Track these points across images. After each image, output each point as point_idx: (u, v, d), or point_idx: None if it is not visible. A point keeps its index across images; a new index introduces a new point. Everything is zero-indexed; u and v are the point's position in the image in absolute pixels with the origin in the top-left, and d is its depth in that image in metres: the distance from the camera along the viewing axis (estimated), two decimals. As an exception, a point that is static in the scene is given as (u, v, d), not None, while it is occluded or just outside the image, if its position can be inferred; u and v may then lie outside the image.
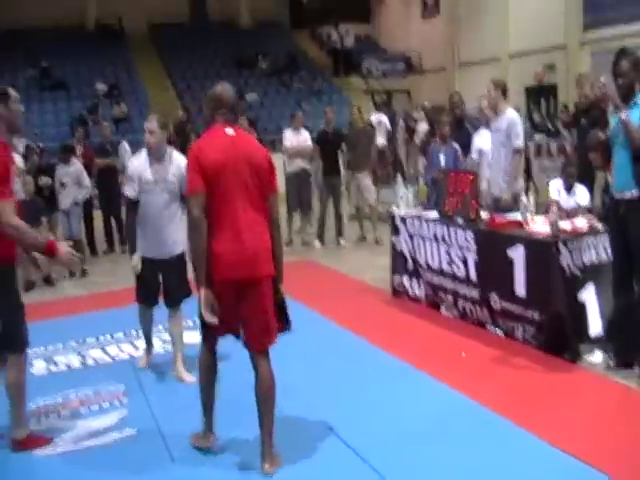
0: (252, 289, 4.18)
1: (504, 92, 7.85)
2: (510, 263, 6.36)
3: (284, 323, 4.40)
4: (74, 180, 10.96)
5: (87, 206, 11.82)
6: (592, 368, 5.74)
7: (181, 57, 28.42)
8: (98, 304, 8.75)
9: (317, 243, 11.75)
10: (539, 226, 6.45)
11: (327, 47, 31.30)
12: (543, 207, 7.81)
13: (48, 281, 10.25)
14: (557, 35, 21.46)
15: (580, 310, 5.97)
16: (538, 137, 16.32)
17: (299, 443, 4.65)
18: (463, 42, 26.68)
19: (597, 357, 5.86)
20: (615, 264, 5.75)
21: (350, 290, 8.78)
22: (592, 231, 6.29)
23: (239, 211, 4.15)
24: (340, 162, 12.07)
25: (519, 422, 4.76)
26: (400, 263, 8.13)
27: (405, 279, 8.07)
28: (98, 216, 12.33)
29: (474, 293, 6.92)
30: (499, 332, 6.62)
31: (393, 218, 8.26)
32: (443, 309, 7.47)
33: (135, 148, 19.06)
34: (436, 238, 7.45)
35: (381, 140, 14.67)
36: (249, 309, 4.21)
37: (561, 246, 5.96)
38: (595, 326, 6.01)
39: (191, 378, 5.90)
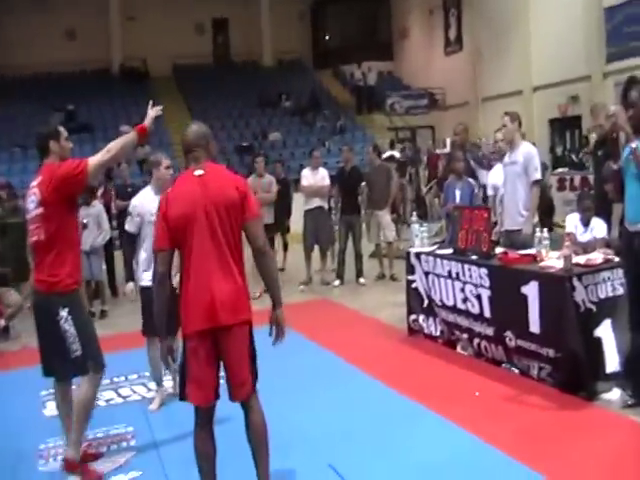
0: (227, 337, 4.05)
1: (520, 124, 7.76)
2: (524, 300, 6.24)
3: (253, 376, 4.17)
4: (95, 221, 11.05)
5: (108, 247, 11.86)
6: (609, 406, 5.59)
7: (204, 97, 28.84)
8: (116, 345, 8.68)
9: (337, 282, 11.70)
10: (553, 261, 6.31)
11: (350, 85, 31.63)
12: (560, 242, 7.70)
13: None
14: (580, 67, 21.44)
15: (596, 346, 5.83)
16: (561, 170, 16.21)
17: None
18: (486, 77, 26.76)
19: (614, 395, 5.72)
20: (631, 298, 5.62)
21: (366, 329, 8.70)
22: (608, 265, 6.15)
23: (207, 259, 4.04)
24: (359, 201, 12.07)
25: (534, 466, 4.63)
26: (416, 301, 8.04)
27: (421, 317, 7.98)
28: (118, 257, 12.35)
29: (489, 331, 6.81)
30: (514, 370, 6.49)
31: (408, 256, 8.18)
32: (459, 347, 7.35)
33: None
34: (450, 275, 7.36)
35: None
36: (225, 359, 4.09)
37: (575, 281, 5.83)
38: (612, 363, 5.86)
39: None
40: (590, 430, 5.26)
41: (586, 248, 7.11)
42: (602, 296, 5.93)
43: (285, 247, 13.56)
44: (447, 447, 5.11)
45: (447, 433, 5.36)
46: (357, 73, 30.46)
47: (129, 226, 6.38)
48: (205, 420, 4.16)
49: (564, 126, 22.61)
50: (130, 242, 6.43)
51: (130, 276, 6.44)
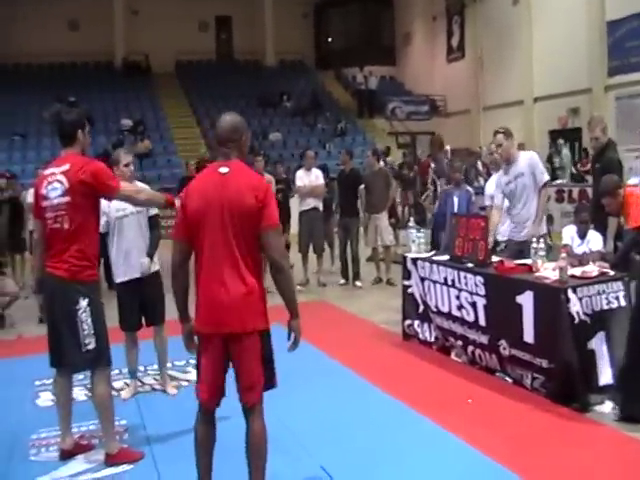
0: (235, 344, 4.00)
1: (512, 136, 7.73)
2: (519, 309, 6.27)
3: (269, 380, 4.12)
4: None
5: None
6: (601, 418, 5.61)
7: (206, 95, 28.89)
8: (110, 338, 8.73)
9: (342, 280, 11.85)
10: (549, 272, 6.34)
11: (352, 88, 31.72)
12: (557, 253, 7.73)
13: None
14: (582, 79, 21.57)
15: (589, 359, 5.85)
16: (560, 181, 16.28)
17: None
18: (487, 85, 26.87)
19: (607, 407, 5.74)
20: (637, 312, 5.65)
21: (362, 332, 8.73)
22: (603, 278, 6.19)
23: (219, 261, 3.98)
24: (358, 204, 12.13)
25: (523, 475, 4.66)
26: (411, 307, 8.06)
27: (416, 323, 8.00)
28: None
29: (483, 339, 6.83)
30: (508, 379, 6.51)
31: (405, 261, 8.21)
32: (453, 354, 7.38)
33: (158, 183, 19.34)
34: (446, 282, 7.38)
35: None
36: (234, 364, 4.06)
37: (570, 293, 5.86)
38: (605, 375, 5.89)
39: (174, 390, 6.74)
40: (581, 441, 5.28)
41: (582, 260, 7.17)
42: (596, 308, 5.96)
43: (287, 247, 13.58)
44: (437, 452, 5.13)
45: (438, 438, 5.38)
46: (359, 76, 30.54)
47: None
48: (208, 412, 4.17)
49: (564, 138, 22.68)
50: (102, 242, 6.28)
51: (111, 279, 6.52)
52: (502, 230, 8.06)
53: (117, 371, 7.38)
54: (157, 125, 26.69)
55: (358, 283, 11.70)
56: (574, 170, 18.89)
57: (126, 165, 6.39)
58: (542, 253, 6.60)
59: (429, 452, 5.17)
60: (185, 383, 6.90)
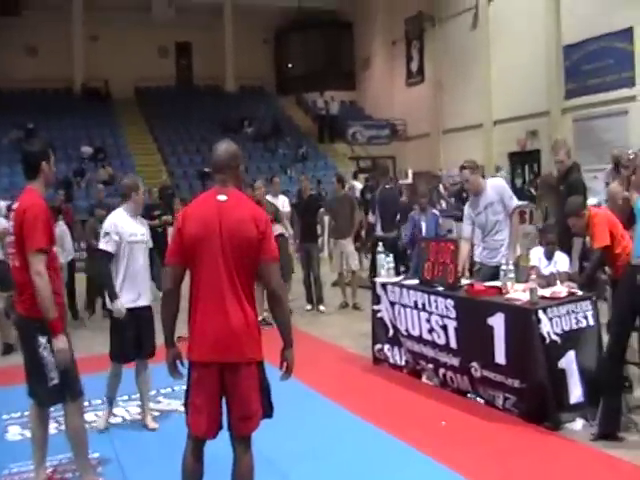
0: (233, 374, 3.95)
1: (479, 168, 7.85)
2: (490, 331, 6.33)
3: (266, 409, 4.11)
4: (59, 242, 10.93)
5: (69, 269, 11.72)
6: (573, 436, 5.69)
7: (167, 121, 28.79)
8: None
9: (308, 306, 11.81)
10: (519, 293, 6.43)
11: (312, 113, 31.81)
12: (524, 273, 7.83)
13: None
14: (540, 102, 21.92)
15: (560, 377, 5.93)
16: (520, 203, 16.46)
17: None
18: (447, 109, 27.14)
19: (578, 425, 5.83)
20: (615, 330, 5.73)
21: (331, 357, 8.74)
22: (572, 298, 6.28)
23: (217, 289, 3.94)
24: (318, 228, 12.18)
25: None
26: (381, 331, 8.08)
27: (386, 347, 8.02)
28: (80, 280, 12.23)
29: (454, 361, 6.88)
30: (480, 400, 6.57)
31: (374, 286, 8.25)
32: (424, 377, 7.41)
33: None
34: (417, 306, 7.42)
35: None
36: (230, 394, 3.99)
37: (541, 313, 5.95)
38: (575, 393, 5.98)
39: (154, 424, 6.53)
40: (554, 458, 5.33)
41: (550, 281, 7.25)
42: (566, 328, 6.06)
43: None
44: (411, 473, 5.17)
45: (412, 460, 5.42)
46: (319, 101, 30.65)
47: (107, 245, 6.27)
48: (198, 445, 4.09)
49: (523, 159, 23.02)
50: (107, 262, 6.30)
51: (115, 294, 6.27)
52: (477, 253, 8.13)
53: (87, 403, 7.32)
54: (118, 152, 26.51)
55: (322, 307, 11.71)
56: (532, 191, 19.13)
57: (143, 192, 6.54)
58: (511, 275, 6.69)
59: (403, 473, 5.20)
60: (156, 413, 6.84)
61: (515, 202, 7.66)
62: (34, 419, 5.19)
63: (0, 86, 28.79)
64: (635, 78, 19.28)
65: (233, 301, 3.95)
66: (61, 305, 4.97)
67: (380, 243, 9.11)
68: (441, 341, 7.05)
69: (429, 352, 7.26)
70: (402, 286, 7.76)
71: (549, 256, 7.86)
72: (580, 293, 6.39)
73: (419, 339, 7.41)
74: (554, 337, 5.95)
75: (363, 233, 14.39)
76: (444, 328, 7.00)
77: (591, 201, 8.82)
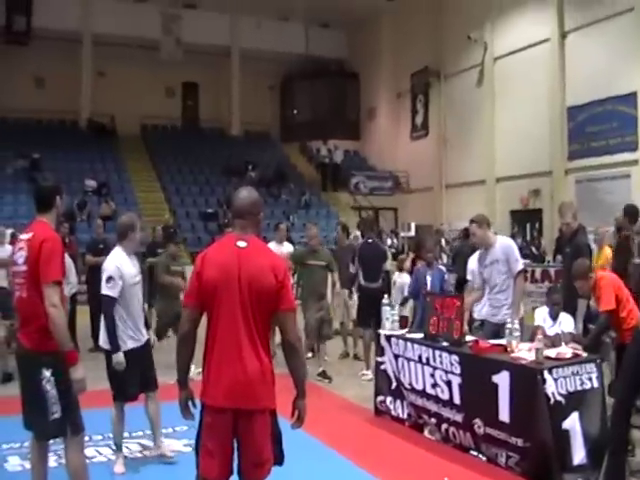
0: (247, 420, 3.99)
1: (488, 225, 7.88)
2: (495, 388, 6.34)
3: (278, 457, 4.15)
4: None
5: (71, 302, 11.72)
6: (575, 498, 5.68)
7: (171, 160, 29.05)
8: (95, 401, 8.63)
9: (309, 354, 11.76)
10: (524, 352, 6.46)
11: (316, 161, 31.93)
12: (528, 332, 7.87)
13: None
14: (543, 162, 22.17)
15: (564, 438, 5.93)
16: (522, 261, 16.54)
17: None
18: (450, 164, 27.38)
19: (580, 487, 5.83)
20: (622, 392, 5.73)
21: (332, 406, 8.68)
22: (577, 359, 6.31)
23: (234, 335, 3.98)
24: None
25: None
26: (384, 383, 8.07)
27: (388, 399, 8.00)
28: (81, 313, 12.22)
29: (458, 417, 6.87)
30: (482, 457, 6.55)
31: (378, 338, 8.27)
32: (426, 432, 7.38)
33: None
34: (421, 360, 7.43)
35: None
36: (242, 440, 4.02)
37: (546, 373, 5.96)
38: (579, 455, 5.97)
39: (171, 453, 6.67)
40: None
41: (554, 341, 7.30)
42: (571, 389, 6.07)
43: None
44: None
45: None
46: (323, 150, 30.90)
47: (113, 291, 6.25)
48: None
49: (525, 218, 23.13)
50: (111, 306, 6.28)
51: (117, 346, 6.25)
52: (478, 309, 8.16)
53: (87, 438, 7.31)
54: (121, 187, 26.63)
55: (325, 357, 11.67)
56: (534, 250, 19.25)
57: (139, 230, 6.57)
58: (517, 334, 6.72)
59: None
60: (155, 452, 6.82)
61: (520, 266, 7.67)
62: (33, 451, 5.21)
63: (7, 115, 29.05)
64: (638, 142, 19.52)
65: (249, 348, 3.98)
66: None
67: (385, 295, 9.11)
68: (445, 396, 7.05)
69: (432, 407, 7.25)
70: (407, 339, 7.78)
71: (554, 316, 7.91)
72: (585, 355, 6.44)
73: (422, 393, 7.41)
74: (559, 398, 5.96)
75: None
76: (448, 383, 7.01)
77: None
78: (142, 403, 6.65)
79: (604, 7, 20.48)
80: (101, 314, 6.43)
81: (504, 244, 7.73)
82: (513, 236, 19.92)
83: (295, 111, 35.73)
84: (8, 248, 12.66)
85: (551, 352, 6.41)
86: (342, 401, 9.05)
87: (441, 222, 24.90)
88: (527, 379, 6.10)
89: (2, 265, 12.03)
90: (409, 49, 29.69)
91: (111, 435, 7.09)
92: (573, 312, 8.24)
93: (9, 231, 13.50)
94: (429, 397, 7.30)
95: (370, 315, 9.86)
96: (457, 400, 6.90)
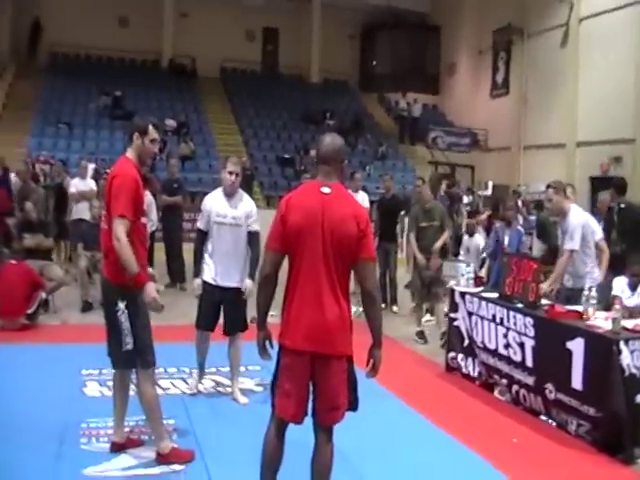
0: (324, 365, 4.06)
1: (564, 192, 7.78)
2: (569, 355, 6.29)
3: (351, 403, 4.21)
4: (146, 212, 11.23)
5: (150, 239, 11.98)
6: (645, 473, 5.63)
7: (250, 104, 29.13)
8: (154, 336, 8.83)
9: (382, 305, 11.83)
10: (600, 321, 6.38)
11: (394, 113, 31.68)
12: (603, 302, 7.77)
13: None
14: (626, 128, 21.59)
15: (637, 412, 5.87)
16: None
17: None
18: (530, 124, 26.86)
19: (652, 462, 5.78)
20: None
21: (403, 359, 8.74)
22: (655, 332, 6.22)
23: (316, 280, 4.02)
24: (397, 229, 12.18)
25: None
26: (456, 339, 8.12)
27: (460, 356, 8.05)
28: (158, 250, 12.52)
29: (529, 380, 6.87)
30: (552, 423, 6.54)
31: (453, 294, 8.29)
32: (496, 392, 7.40)
33: (199, 186, 19.63)
34: (494, 319, 7.43)
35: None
36: (319, 384, 4.11)
37: (622, 344, 5.88)
38: (652, 430, 5.92)
39: (244, 400, 6.75)
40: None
41: (632, 312, 7.20)
42: (646, 363, 5.99)
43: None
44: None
45: (484, 472, 5.46)
46: (402, 102, 30.59)
47: (200, 223, 6.68)
48: (281, 427, 4.21)
49: (605, 185, 22.57)
50: (200, 239, 6.67)
51: (198, 272, 6.69)
52: None
53: (162, 369, 7.55)
54: (200, 128, 26.88)
55: (395, 308, 11.72)
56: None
57: (230, 173, 6.53)
58: (594, 301, 6.64)
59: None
60: (229, 389, 7.00)
61: (569, 246, 7.49)
62: (115, 380, 5.43)
63: (91, 53, 29.52)
64: None
65: (330, 294, 4.04)
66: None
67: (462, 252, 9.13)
68: (517, 358, 7.05)
69: (504, 367, 7.26)
70: (481, 298, 7.78)
71: (633, 287, 7.80)
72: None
73: (494, 353, 7.42)
74: (634, 370, 5.88)
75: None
76: (521, 345, 6.99)
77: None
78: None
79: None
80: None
81: (571, 220, 7.52)
82: (593, 204, 19.54)
83: (374, 62, 35.37)
84: (90, 182, 13.01)
85: (628, 323, 6.32)
86: (413, 355, 9.13)
87: (518, 183, 24.50)
88: (602, 348, 6.02)
89: (84, 198, 12.38)
90: (492, 5, 29.02)
91: (186, 369, 7.37)
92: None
93: (92, 166, 13.83)
94: (501, 357, 7.31)
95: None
96: (529, 363, 6.88)
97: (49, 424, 5.82)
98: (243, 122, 28.34)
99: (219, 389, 7.12)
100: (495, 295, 7.70)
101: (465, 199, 18.93)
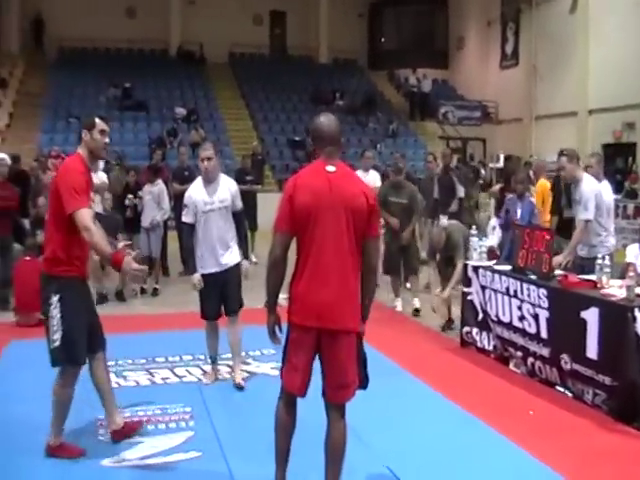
0: (331, 341, 4.09)
1: (578, 160, 7.72)
2: (583, 324, 6.26)
3: (362, 380, 4.25)
4: (155, 200, 11.28)
5: (163, 227, 12.02)
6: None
7: (259, 88, 29.13)
8: (169, 324, 8.94)
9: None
10: (615, 289, 6.34)
11: (404, 90, 31.55)
12: (618, 270, 7.72)
13: (120, 297, 10.56)
14: (638, 94, 21.25)
15: (653, 380, 5.84)
16: (613, 197, 16.16)
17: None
18: (541, 94, 26.66)
19: (668, 429, 5.75)
20: None
21: (417, 335, 8.81)
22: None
23: (326, 258, 4.06)
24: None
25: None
26: (470, 314, 8.10)
27: (474, 330, 8.04)
28: (171, 238, 12.55)
29: (544, 351, 6.85)
30: (568, 393, 6.53)
31: (466, 268, 8.26)
32: (511, 365, 7.41)
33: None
34: (508, 292, 7.40)
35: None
36: (327, 361, 4.14)
37: (637, 312, 5.83)
38: (667, 398, 5.87)
39: (242, 382, 6.76)
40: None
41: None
42: (662, 331, 5.93)
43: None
44: (500, 461, 5.19)
45: (498, 446, 5.45)
46: (412, 78, 30.44)
47: (187, 218, 6.62)
48: (290, 400, 4.28)
49: (618, 152, 22.45)
50: (190, 233, 6.66)
51: (194, 268, 6.63)
52: None
53: (178, 357, 7.60)
54: (210, 115, 26.88)
55: (408, 285, 11.67)
56: (627, 186, 18.71)
57: (208, 159, 6.51)
58: (607, 270, 6.60)
59: (493, 459, 5.23)
60: (245, 374, 7.02)
61: (583, 216, 7.47)
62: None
63: (99, 45, 29.58)
64: None
65: (339, 271, 4.08)
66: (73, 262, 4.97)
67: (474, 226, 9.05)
68: (532, 330, 7.02)
69: (518, 340, 7.24)
70: (494, 271, 7.75)
71: (648, 254, 7.74)
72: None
73: (509, 326, 7.40)
74: (649, 338, 5.84)
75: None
76: (535, 317, 6.97)
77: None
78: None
79: None
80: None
81: (584, 189, 7.49)
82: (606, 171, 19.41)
83: (383, 39, 35.24)
84: (102, 175, 13.03)
85: (643, 290, 6.28)
86: (427, 330, 9.14)
87: (530, 154, 24.35)
88: (617, 316, 5.99)
89: (97, 191, 12.38)
90: (500, -26, 28.75)
91: (201, 356, 7.39)
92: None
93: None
94: (516, 330, 7.29)
95: None
96: (544, 334, 6.86)
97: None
98: (253, 106, 28.32)
99: (244, 376, 7.06)
100: (508, 267, 7.67)
101: (482, 172, 18.80)
